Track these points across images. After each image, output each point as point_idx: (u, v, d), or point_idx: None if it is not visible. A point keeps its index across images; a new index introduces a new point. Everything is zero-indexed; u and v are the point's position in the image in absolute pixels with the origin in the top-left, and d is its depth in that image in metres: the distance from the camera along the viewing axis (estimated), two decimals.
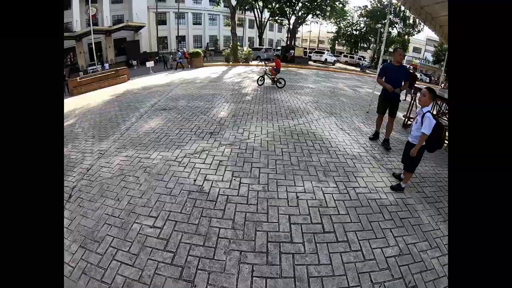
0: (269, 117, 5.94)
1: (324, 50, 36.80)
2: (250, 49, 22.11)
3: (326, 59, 31.28)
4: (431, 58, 42.71)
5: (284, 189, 3.20)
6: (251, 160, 3.83)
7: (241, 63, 20.03)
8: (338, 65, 33.88)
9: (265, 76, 10.08)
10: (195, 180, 3.33)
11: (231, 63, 19.74)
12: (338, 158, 4.11)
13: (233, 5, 20.21)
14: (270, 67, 10.13)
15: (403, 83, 4.48)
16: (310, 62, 27.83)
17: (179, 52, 20.96)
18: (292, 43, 25.72)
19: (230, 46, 20.74)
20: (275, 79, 9.74)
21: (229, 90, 9.01)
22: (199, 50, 20.35)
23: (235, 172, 3.51)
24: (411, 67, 14.41)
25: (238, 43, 21.43)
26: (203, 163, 3.75)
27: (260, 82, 10.05)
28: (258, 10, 27.62)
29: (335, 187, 3.32)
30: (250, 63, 20.69)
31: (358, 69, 29.62)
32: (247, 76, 13.35)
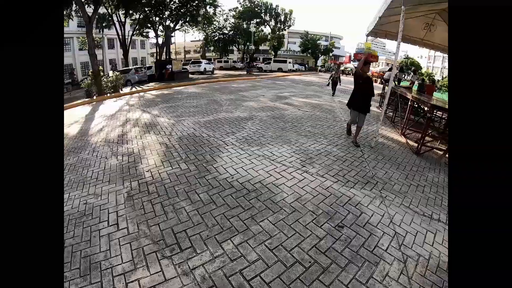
0: None
1: (200, 59, 34.61)
2: (118, 73, 16.85)
3: (205, 68, 29.91)
4: (297, 48, 47.45)
5: None
6: None
7: (108, 95, 14.78)
8: (216, 72, 32.38)
9: None
10: None
11: (95, 97, 14.24)
12: None
13: (89, 15, 14.31)
14: None
15: None
16: (190, 75, 24.81)
17: None
18: (168, 57, 21.74)
19: (90, 74, 14.93)
20: None
21: (122, 177, 4.06)
22: None
23: None
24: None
25: (101, 67, 15.83)
26: None
27: None
28: (120, 24, 21.79)
29: None
30: (121, 91, 15.60)
31: (244, 72, 29.23)
32: (129, 118, 8.40)
